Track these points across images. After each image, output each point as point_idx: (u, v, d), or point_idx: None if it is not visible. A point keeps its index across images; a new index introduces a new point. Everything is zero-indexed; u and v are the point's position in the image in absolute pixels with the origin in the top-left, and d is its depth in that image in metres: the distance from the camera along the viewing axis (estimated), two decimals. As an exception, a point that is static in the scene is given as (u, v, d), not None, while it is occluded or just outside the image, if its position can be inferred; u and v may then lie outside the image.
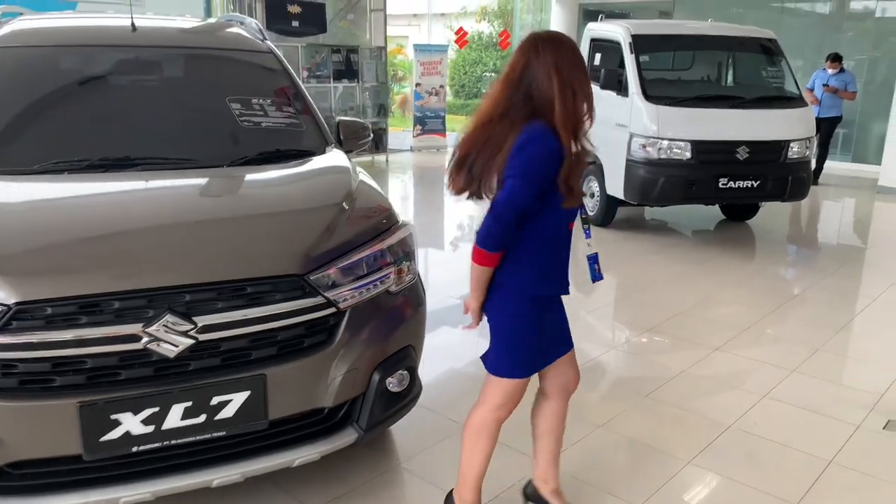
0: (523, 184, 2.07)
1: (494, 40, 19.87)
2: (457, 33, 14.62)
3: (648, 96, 6.47)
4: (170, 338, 2.11)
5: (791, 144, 6.57)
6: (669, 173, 6.38)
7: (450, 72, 23.00)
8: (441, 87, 12.83)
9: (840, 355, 4.29)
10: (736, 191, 6.47)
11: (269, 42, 3.76)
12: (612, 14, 13.10)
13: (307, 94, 3.53)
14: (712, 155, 6.40)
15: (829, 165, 11.46)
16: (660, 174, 6.39)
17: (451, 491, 2.53)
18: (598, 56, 7.38)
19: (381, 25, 11.25)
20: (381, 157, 11.72)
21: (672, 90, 6.82)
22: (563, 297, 2.38)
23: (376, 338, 2.47)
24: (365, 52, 11.24)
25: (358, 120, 3.68)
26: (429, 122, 12.87)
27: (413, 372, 2.66)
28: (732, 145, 6.36)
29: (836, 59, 9.62)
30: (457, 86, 22.50)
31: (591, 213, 7.38)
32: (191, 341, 2.14)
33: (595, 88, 7.26)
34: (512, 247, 2.16)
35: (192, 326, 2.13)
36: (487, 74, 20.90)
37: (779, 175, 6.54)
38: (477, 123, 2.17)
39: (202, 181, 2.77)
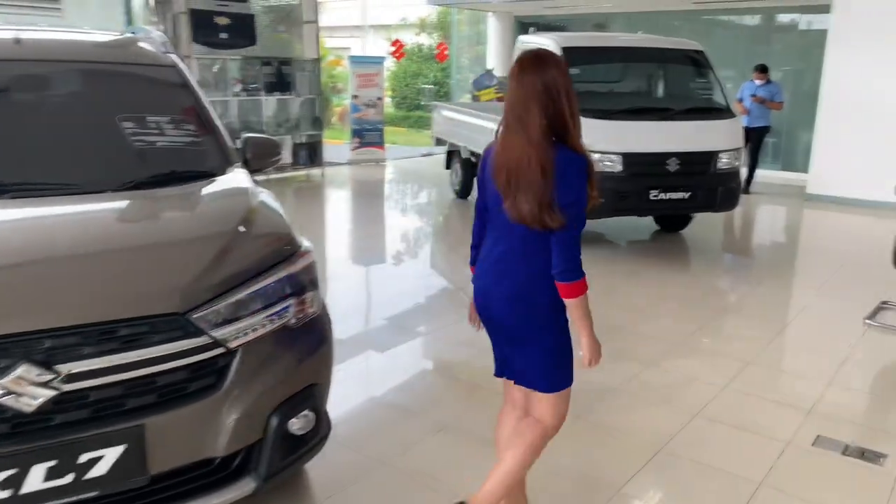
0: (583, 209, 2.23)
1: (434, 52, 19.81)
2: (393, 44, 14.47)
3: (581, 109, 6.41)
4: (27, 390, 1.86)
5: (720, 155, 6.61)
6: (600, 186, 6.28)
7: (390, 84, 22.93)
8: (379, 99, 12.65)
9: (771, 368, 4.26)
10: (667, 202, 6.47)
11: (173, 55, 3.52)
12: (548, 27, 13.20)
13: (211, 109, 3.30)
14: (643, 167, 6.39)
15: (760, 174, 11.69)
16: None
17: None
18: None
19: (313, 37, 11.01)
20: (316, 172, 11.44)
21: (602, 103, 6.79)
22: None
23: (274, 378, 2.26)
24: (299, 64, 10.98)
25: (267, 136, 3.46)
26: (367, 135, 12.66)
27: (319, 412, 2.46)
28: (663, 157, 6.36)
29: (762, 70, 9.83)
30: (398, 98, 22.38)
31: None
32: (53, 392, 1.89)
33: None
34: None
35: (55, 376, 1.89)
36: (427, 87, 20.81)
37: (709, 186, 6.57)
38: (537, 155, 2.15)
39: (77, 209, 2.50)
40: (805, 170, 10.19)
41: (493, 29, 15.24)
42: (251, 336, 2.21)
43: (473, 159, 8.90)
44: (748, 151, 10.06)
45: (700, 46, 7.16)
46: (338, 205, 10.01)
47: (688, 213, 7.44)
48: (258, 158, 3.24)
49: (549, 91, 2.17)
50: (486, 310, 2.37)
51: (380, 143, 12.81)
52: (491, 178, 2.27)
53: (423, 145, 14.32)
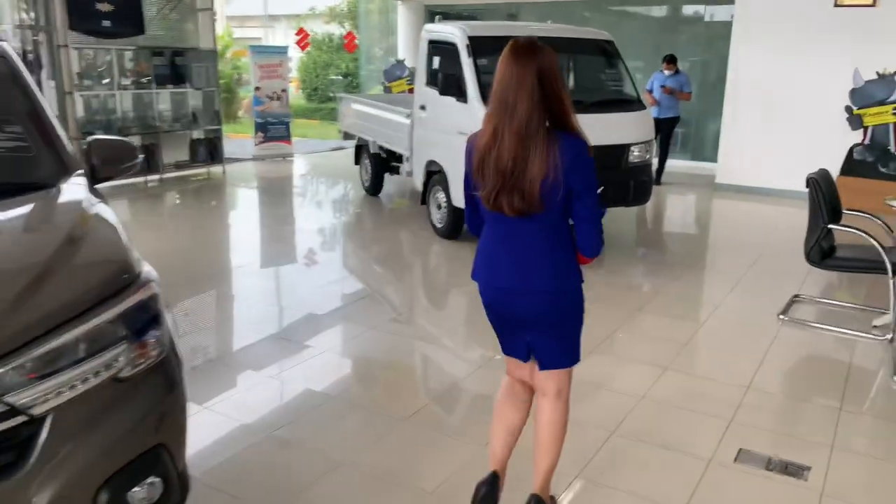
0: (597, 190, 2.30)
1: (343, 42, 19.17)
2: (298, 34, 13.82)
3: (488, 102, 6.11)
4: None
5: (632, 148, 6.46)
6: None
7: (301, 75, 22.14)
8: (283, 91, 12.03)
9: (689, 374, 4.08)
10: (581, 198, 6.25)
11: (4, 44, 2.95)
12: (458, 16, 12.88)
13: (48, 107, 2.76)
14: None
15: (671, 164, 11.80)
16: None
17: (537, 497, 2.53)
18: (436, 59, 6.96)
19: (209, 25, 10.29)
20: (217, 169, 10.74)
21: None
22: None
23: (101, 446, 1.81)
24: (194, 55, 10.23)
25: (120, 139, 2.94)
26: (271, 129, 12.02)
27: (168, 477, 2.01)
28: (576, 151, 6.14)
29: (671, 60, 9.83)
30: (308, 89, 21.62)
31: (439, 226, 6.97)
32: None
33: (434, 94, 6.87)
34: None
35: None
36: (337, 77, 20.19)
37: (621, 180, 6.41)
38: (514, 142, 2.18)
39: None
40: (714, 160, 10.29)
41: (404, 18, 14.81)
42: (67, 396, 1.75)
43: (383, 154, 8.50)
44: (658, 142, 10.07)
45: (609, 36, 6.98)
46: (237, 205, 9.38)
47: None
48: (107, 165, 2.73)
49: (543, 77, 2.19)
50: (503, 306, 2.42)
51: (286, 138, 12.20)
52: (478, 167, 2.28)
53: (335, 139, 13.76)
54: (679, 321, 4.86)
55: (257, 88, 11.81)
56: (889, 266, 4.42)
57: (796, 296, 5.33)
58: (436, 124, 6.90)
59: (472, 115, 6.18)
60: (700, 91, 11.73)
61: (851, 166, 8.85)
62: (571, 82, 7.17)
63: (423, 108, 7.14)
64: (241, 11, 26.28)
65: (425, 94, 7.04)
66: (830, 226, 4.64)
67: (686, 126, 12.02)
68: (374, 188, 9.00)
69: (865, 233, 4.53)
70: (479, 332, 4.75)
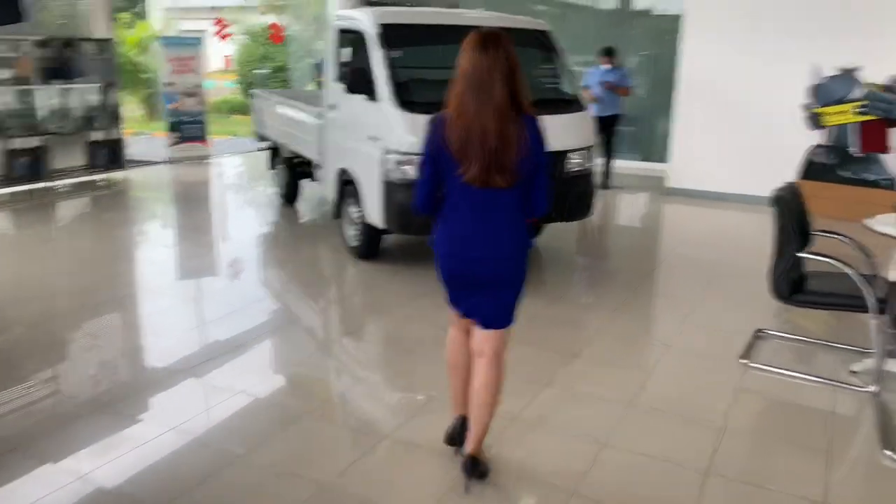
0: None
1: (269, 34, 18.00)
2: (216, 24, 12.65)
3: (403, 102, 5.18)
4: None
5: (570, 156, 5.61)
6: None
7: (238, 68, 20.93)
8: (198, 86, 10.89)
9: (631, 453, 3.22)
10: (513, 213, 5.37)
11: None
12: (395, 4, 11.91)
13: None
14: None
15: (621, 165, 11.05)
16: (421, 198, 5.13)
17: (472, 457, 2.79)
18: (347, 51, 5.99)
19: (104, 13, 9.12)
20: (119, 175, 9.58)
21: (432, 94, 5.55)
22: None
23: None
24: (88, 46, 9.05)
25: None
26: (186, 129, 10.89)
27: None
28: (505, 159, 5.25)
29: (609, 53, 9.03)
30: (245, 83, 20.39)
31: (353, 244, 6.02)
32: None
33: (339, 90, 5.93)
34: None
35: None
36: (261, 71, 19.03)
37: (557, 192, 5.50)
38: (498, 122, 2.45)
39: None
40: (666, 160, 9.54)
41: (339, 7, 13.74)
42: None
43: (296, 160, 7.51)
44: (601, 143, 9.29)
45: (545, 25, 6.10)
46: (129, 218, 8.19)
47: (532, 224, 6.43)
48: None
49: (513, 63, 2.47)
50: (472, 273, 2.64)
51: (201, 138, 11.07)
52: (448, 146, 2.49)
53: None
54: (621, 372, 4.01)
55: (168, 84, 10.65)
56: (871, 303, 3.65)
57: (760, 331, 4.54)
58: (345, 127, 5.94)
59: (383, 116, 5.25)
60: (651, 88, 11.01)
61: (810, 169, 8.18)
62: None
63: (332, 107, 6.17)
64: (186, 3, 24.91)
65: (335, 91, 6.08)
66: (802, 255, 3.85)
67: (637, 124, 11.29)
68: (289, 196, 8.00)
69: (844, 263, 3.75)
70: (399, 374, 3.83)
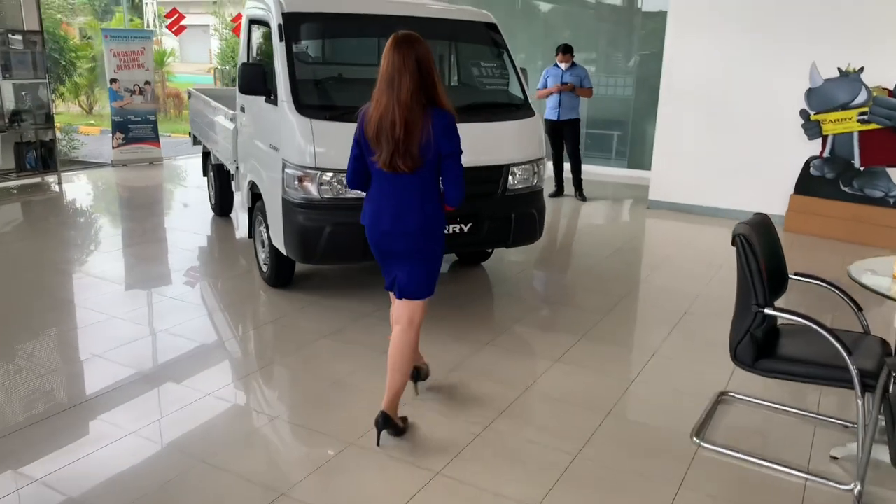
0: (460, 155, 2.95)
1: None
2: (168, 16, 11.83)
3: (302, 105, 4.33)
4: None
5: (513, 170, 4.76)
6: (338, 220, 4.30)
7: (220, 62, 20.23)
8: (147, 83, 10.09)
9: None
10: (439, 239, 4.52)
11: None
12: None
13: None
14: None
15: (606, 173, 10.21)
16: (324, 221, 4.29)
17: (384, 413, 3.07)
18: (256, 45, 5.16)
19: (32, 3, 8.32)
20: (52, 178, 8.80)
21: (341, 96, 4.74)
22: None
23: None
24: (7, 38, 8.26)
25: None
26: (133, 129, 10.09)
27: None
28: (429, 175, 4.40)
29: (566, 51, 8.14)
30: (228, 79, 19.70)
31: (264, 268, 5.20)
32: None
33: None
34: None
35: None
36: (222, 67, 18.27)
37: (498, 213, 4.70)
38: (402, 115, 2.77)
39: None
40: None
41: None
42: None
43: (226, 168, 6.67)
44: (568, 152, 8.43)
45: (490, 17, 5.22)
46: (40, 230, 7.36)
47: (468, 250, 5.56)
48: None
49: (421, 64, 2.78)
50: (386, 245, 3.04)
51: (153, 139, 10.27)
52: (366, 134, 2.89)
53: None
54: (546, 455, 3.13)
55: (114, 81, 9.85)
56: (856, 379, 2.77)
57: (723, 394, 3.68)
58: (252, 134, 5.10)
59: (283, 121, 4.40)
60: (637, 91, 10.13)
61: (808, 183, 7.27)
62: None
63: (242, 110, 5.34)
64: (174, -2, 24.21)
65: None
66: (768, 311, 2.97)
67: (625, 129, 10.43)
68: (220, 207, 7.18)
69: (821, 325, 2.87)
70: (298, 427, 2.96)
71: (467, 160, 4.56)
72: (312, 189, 4.26)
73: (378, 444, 3.05)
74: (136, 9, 24.51)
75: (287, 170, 4.34)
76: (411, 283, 3.06)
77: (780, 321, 3.30)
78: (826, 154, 7.16)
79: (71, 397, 3.53)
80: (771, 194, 7.37)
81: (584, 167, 8.83)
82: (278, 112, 4.42)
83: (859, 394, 2.79)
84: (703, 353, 4.23)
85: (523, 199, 4.84)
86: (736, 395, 3.67)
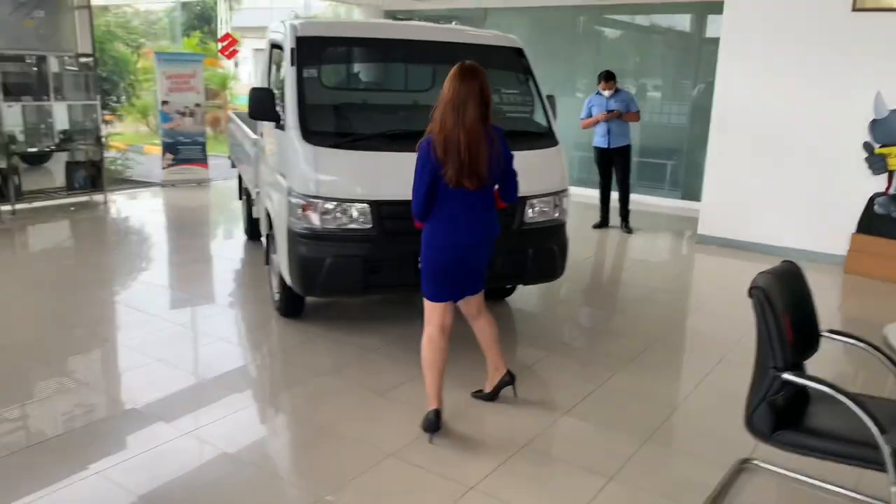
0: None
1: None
2: (221, 40, 12.05)
3: (309, 132, 4.18)
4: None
5: (532, 203, 4.47)
6: (339, 252, 4.11)
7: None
8: (197, 105, 10.26)
9: None
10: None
11: None
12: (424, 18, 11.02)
13: None
14: (407, 222, 4.14)
15: (657, 203, 9.77)
16: (325, 253, 4.11)
17: (510, 371, 3.75)
18: (276, 67, 5.07)
19: (87, 27, 8.58)
20: (99, 198, 8.99)
21: (351, 124, 4.58)
22: None
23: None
24: (68, 62, 8.53)
25: None
26: (182, 150, 10.26)
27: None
28: (437, 207, 4.18)
29: (609, 77, 7.81)
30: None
31: (276, 298, 5.06)
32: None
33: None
34: None
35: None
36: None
37: (513, 248, 4.42)
38: (467, 139, 3.09)
39: None
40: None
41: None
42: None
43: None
44: (617, 180, 8.07)
45: (518, 42, 4.98)
46: (85, 250, 7.41)
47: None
48: None
49: (483, 93, 3.14)
50: (462, 256, 3.34)
51: (201, 160, 10.42)
52: (436, 156, 3.14)
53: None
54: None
55: (164, 102, 10.07)
56: (889, 462, 2.37)
57: (745, 461, 3.27)
58: (266, 158, 5.00)
59: (290, 148, 4.26)
60: (693, 118, 9.67)
61: (871, 222, 6.69)
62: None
63: (262, 135, 5.25)
64: (247, 23, 25.04)
65: (263, 116, 5.15)
66: (787, 377, 2.59)
67: (676, 158, 9.97)
68: (252, 231, 7.13)
69: (848, 395, 2.48)
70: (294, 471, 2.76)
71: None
72: (315, 219, 4.09)
73: (516, 396, 3.78)
74: (213, 33, 25.36)
75: (291, 198, 4.18)
76: (480, 280, 3.50)
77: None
78: (892, 191, 6.57)
79: (29, 436, 3.42)
80: (830, 232, 6.82)
81: (636, 197, 8.45)
82: (286, 138, 4.28)
83: (893, 478, 2.38)
84: (731, 409, 3.77)
85: (542, 233, 4.55)
86: (760, 464, 3.26)
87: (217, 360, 4.32)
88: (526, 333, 5.08)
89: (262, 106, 4.34)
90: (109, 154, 11.60)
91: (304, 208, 4.11)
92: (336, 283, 4.16)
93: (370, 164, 4.15)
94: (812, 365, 2.77)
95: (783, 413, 2.71)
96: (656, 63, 10.36)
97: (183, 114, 10.14)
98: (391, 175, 4.16)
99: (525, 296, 5.67)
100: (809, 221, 7.01)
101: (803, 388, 2.88)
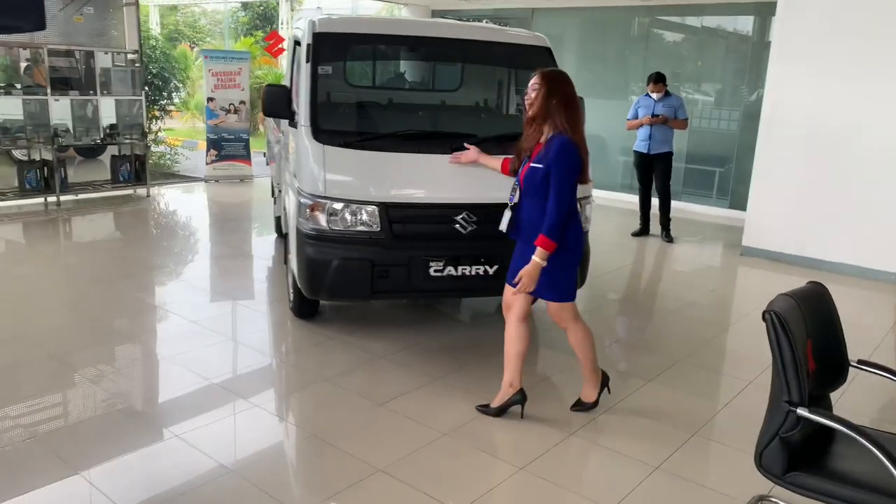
0: None
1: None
2: (267, 39, 12.13)
3: (320, 131, 4.07)
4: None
5: (551, 209, 4.25)
6: (347, 255, 3.99)
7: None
8: (242, 103, 10.35)
9: None
10: (459, 280, 4.13)
11: None
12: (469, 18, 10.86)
13: None
14: (418, 226, 4.06)
15: (703, 212, 9.39)
16: (332, 255, 4.00)
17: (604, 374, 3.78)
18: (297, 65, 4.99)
19: (134, 23, 8.74)
20: (142, 191, 9.14)
21: (363, 123, 4.45)
22: None
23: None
24: (115, 58, 8.71)
25: None
26: (226, 147, 10.37)
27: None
28: (450, 211, 4.03)
29: (658, 79, 7.48)
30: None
31: (291, 297, 4.98)
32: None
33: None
34: None
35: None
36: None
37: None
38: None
39: None
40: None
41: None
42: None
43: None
44: (657, 188, 7.74)
45: (545, 41, 4.77)
46: (118, 242, 7.54)
47: (494, 294, 5.03)
48: None
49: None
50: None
51: (245, 157, 10.51)
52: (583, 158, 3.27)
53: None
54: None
55: (210, 99, 10.19)
56: (915, 517, 2.09)
57: (762, 498, 3.00)
58: (285, 157, 4.93)
59: (300, 146, 4.17)
60: (743, 125, 9.24)
61: (933, 239, 6.21)
62: (466, 107, 4.99)
63: (283, 133, 5.18)
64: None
65: (286, 114, 5.08)
66: (801, 412, 2.33)
67: (725, 165, 9.55)
68: (279, 228, 7.10)
69: (869, 437, 2.20)
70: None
71: (494, 196, 4.17)
72: (322, 220, 3.98)
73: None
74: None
75: (300, 198, 4.09)
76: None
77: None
78: (958, 205, 6.09)
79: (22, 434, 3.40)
80: (885, 248, 6.36)
81: (682, 205, 8.11)
82: (297, 136, 4.19)
83: (918, 537, 2.10)
84: (753, 438, 3.51)
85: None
86: (779, 502, 2.98)
87: (223, 360, 4.26)
88: (548, 343, 4.86)
89: (276, 103, 4.26)
90: (158, 149, 11.87)
91: (311, 208, 4.00)
92: (342, 287, 4.05)
93: (381, 165, 4.02)
94: (847, 396, 2.49)
95: (799, 451, 2.45)
96: (710, 67, 9.95)
97: (227, 111, 10.24)
98: (403, 177, 4.03)
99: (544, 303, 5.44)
100: (864, 235, 6.56)
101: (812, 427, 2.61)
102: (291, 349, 4.51)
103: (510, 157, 3.53)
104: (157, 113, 11.92)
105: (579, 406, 3.67)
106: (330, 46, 4.34)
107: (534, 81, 3.22)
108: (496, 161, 3.76)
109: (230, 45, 22.44)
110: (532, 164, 3.23)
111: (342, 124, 4.33)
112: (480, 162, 3.86)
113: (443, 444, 3.33)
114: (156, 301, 5.28)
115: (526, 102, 3.25)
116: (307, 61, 4.23)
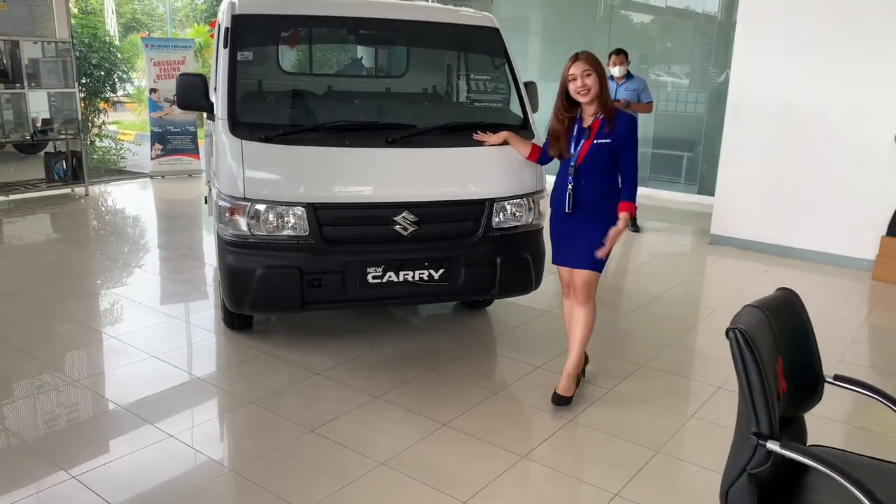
0: None
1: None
2: (213, 25, 11.56)
3: (238, 124, 3.65)
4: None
5: (501, 206, 3.89)
6: (272, 263, 3.58)
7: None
8: (188, 94, 9.79)
9: None
10: (400, 286, 3.74)
11: None
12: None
13: None
14: (352, 228, 3.66)
15: (671, 198, 9.12)
16: (255, 264, 3.58)
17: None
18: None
19: (63, 11, 8.16)
20: (80, 190, 8.60)
21: (288, 114, 4.04)
22: None
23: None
24: (43, 47, 8.14)
25: None
26: (172, 140, 9.85)
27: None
28: (388, 210, 3.65)
29: (618, 52, 7.05)
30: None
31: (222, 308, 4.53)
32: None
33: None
34: None
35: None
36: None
37: (478, 258, 3.85)
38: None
39: None
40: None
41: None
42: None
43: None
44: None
45: (493, 21, 4.37)
46: (53, 244, 7.08)
47: (442, 301, 4.69)
48: None
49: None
50: None
51: (192, 151, 10.00)
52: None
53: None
54: None
55: (153, 90, 9.64)
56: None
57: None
58: (209, 154, 4.49)
59: (218, 142, 3.74)
60: (712, 109, 8.95)
61: (903, 224, 5.97)
62: (407, 94, 4.59)
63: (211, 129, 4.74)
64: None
65: (212, 106, 4.64)
66: (772, 446, 2.00)
67: (692, 149, 9.28)
68: (223, 230, 6.64)
69: (846, 475, 1.87)
70: None
71: (438, 193, 3.79)
72: (242, 224, 3.57)
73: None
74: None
75: (219, 201, 3.67)
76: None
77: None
78: (930, 189, 5.84)
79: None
80: (856, 235, 6.12)
81: (650, 191, 7.79)
82: (216, 131, 3.76)
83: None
84: (723, 453, 3.20)
85: (513, 240, 3.97)
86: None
87: (138, 381, 3.83)
88: (500, 348, 4.50)
89: (190, 93, 3.82)
90: (103, 144, 11.29)
91: (231, 211, 3.58)
92: (268, 299, 3.64)
93: (309, 161, 3.61)
94: (828, 409, 2.16)
95: (769, 487, 2.12)
96: (676, 48, 9.65)
97: (172, 102, 9.70)
98: (334, 174, 3.63)
99: (505, 303, 5.09)
100: (833, 222, 6.31)
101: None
102: (219, 366, 4.09)
103: (538, 144, 3.75)
104: (102, 105, 11.33)
105: (559, 400, 3.58)
106: (251, 30, 3.91)
107: (584, 68, 3.26)
108: (525, 147, 3.78)
109: (187, 33, 21.69)
110: (597, 141, 3.31)
111: (266, 116, 3.91)
112: (510, 143, 3.85)
113: (377, 475, 2.96)
114: (76, 315, 4.82)
115: (580, 90, 3.26)
116: (224, 46, 3.80)
